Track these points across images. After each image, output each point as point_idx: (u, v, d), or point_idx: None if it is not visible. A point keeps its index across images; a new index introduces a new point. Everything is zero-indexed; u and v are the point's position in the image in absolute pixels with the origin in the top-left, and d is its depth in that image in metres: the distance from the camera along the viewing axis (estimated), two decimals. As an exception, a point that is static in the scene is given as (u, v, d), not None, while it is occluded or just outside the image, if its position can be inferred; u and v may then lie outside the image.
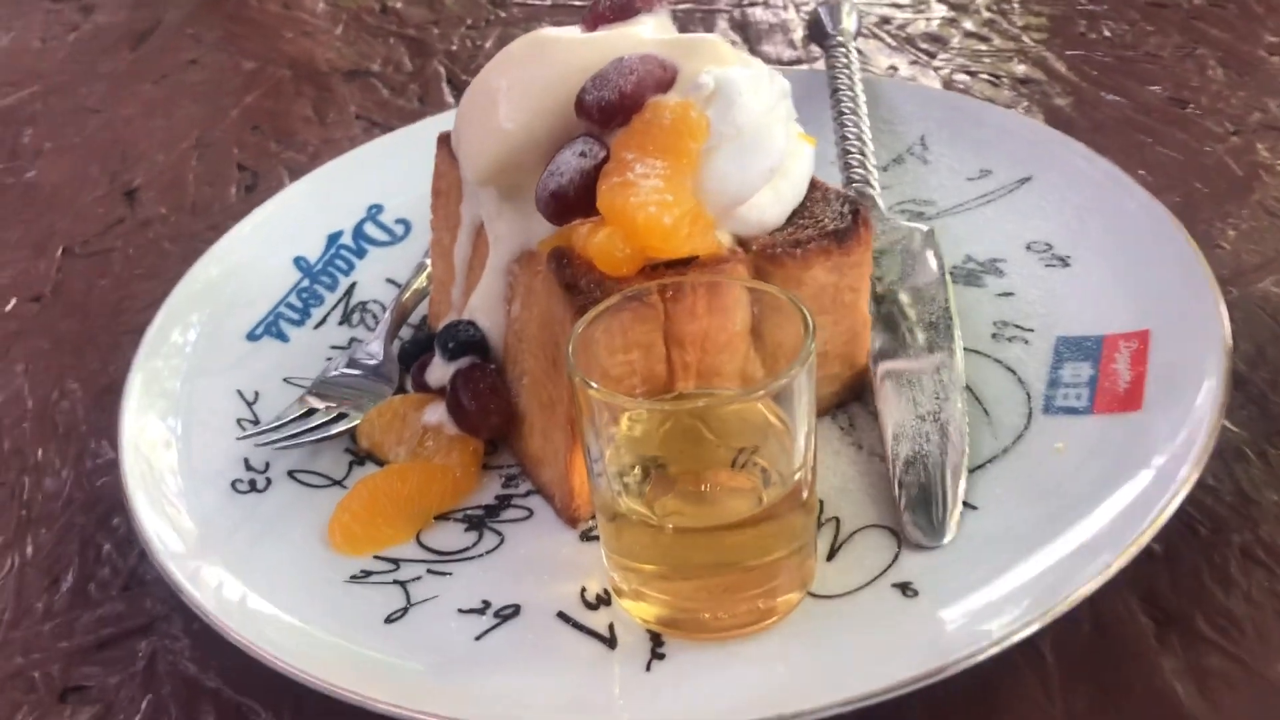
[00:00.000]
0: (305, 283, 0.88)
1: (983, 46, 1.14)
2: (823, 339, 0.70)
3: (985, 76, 1.09)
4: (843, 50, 0.99)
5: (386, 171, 0.96)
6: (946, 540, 0.63)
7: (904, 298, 0.77)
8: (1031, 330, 0.76)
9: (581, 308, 0.61)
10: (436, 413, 0.73)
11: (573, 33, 0.72)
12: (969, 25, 1.17)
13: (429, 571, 0.66)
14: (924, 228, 0.82)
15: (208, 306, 0.84)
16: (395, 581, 0.65)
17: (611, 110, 0.65)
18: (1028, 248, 0.83)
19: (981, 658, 0.55)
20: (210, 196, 1.08)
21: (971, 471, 0.67)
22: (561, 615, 0.62)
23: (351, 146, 1.10)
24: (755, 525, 0.59)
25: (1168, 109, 1.02)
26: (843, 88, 0.95)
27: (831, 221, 0.68)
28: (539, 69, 0.69)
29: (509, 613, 0.63)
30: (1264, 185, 0.91)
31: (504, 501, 0.70)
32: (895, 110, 0.96)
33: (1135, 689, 0.58)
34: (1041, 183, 0.87)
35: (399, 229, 0.93)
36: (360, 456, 0.74)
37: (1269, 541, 0.65)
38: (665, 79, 0.66)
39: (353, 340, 0.83)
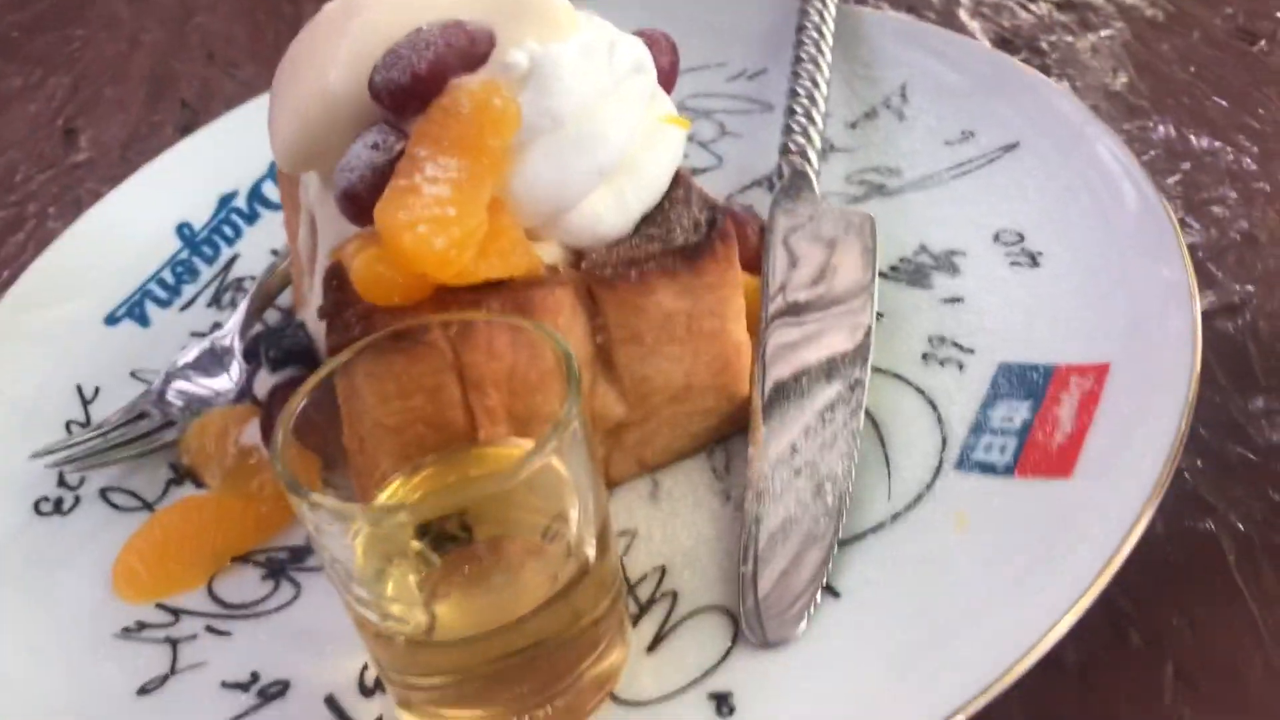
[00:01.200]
0: (184, 254, 0.79)
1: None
2: (681, 370, 0.57)
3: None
4: (816, -22, 0.83)
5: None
6: (796, 634, 0.51)
7: (813, 306, 0.64)
8: (971, 352, 0.62)
9: (335, 347, 0.50)
10: (254, 431, 0.64)
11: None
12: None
13: (207, 629, 0.58)
14: (858, 215, 0.68)
15: (68, 282, 0.76)
16: (167, 639, 0.57)
17: (403, 95, 0.53)
18: (995, 238, 0.67)
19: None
20: (145, 134, 1.00)
21: (845, 544, 0.54)
22: (330, 701, 0.53)
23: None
24: (548, 607, 0.48)
25: (1232, 43, 0.83)
26: (808, 26, 0.80)
27: (683, 234, 0.55)
28: (345, 36, 0.57)
29: (275, 691, 0.54)
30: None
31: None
32: (877, 51, 0.80)
33: None
34: (1028, 152, 0.71)
35: (301, 190, 0.83)
36: (179, 474, 0.66)
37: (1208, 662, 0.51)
38: (474, 54, 0.54)
39: (215, 326, 0.75)
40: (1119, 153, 0.67)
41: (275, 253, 0.79)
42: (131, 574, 0.59)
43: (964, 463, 0.57)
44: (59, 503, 0.65)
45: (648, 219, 0.56)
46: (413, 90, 0.53)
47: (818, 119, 0.74)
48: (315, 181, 0.61)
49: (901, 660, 0.49)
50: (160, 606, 0.59)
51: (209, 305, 0.76)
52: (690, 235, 0.54)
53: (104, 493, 0.65)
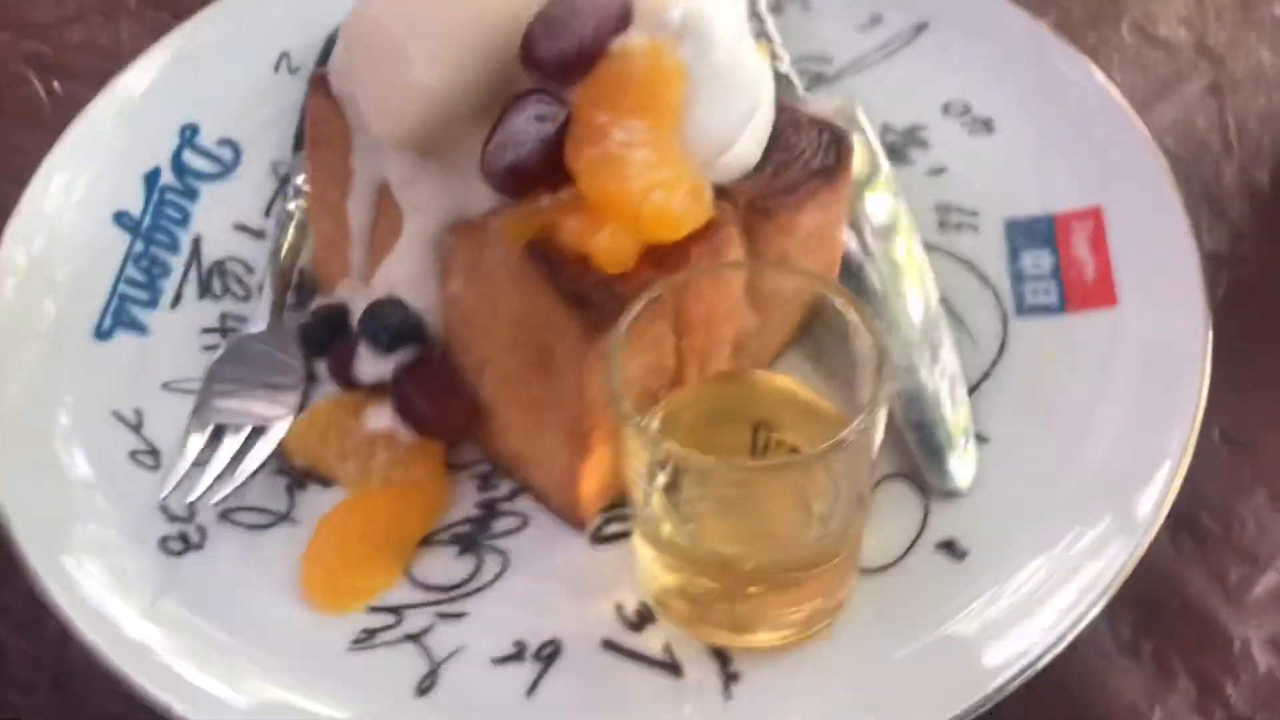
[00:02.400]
0: (139, 246, 0.72)
1: None
2: (798, 289, 0.64)
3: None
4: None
5: (189, 78, 0.79)
6: (969, 483, 0.62)
7: (858, 197, 0.72)
8: (976, 214, 0.73)
9: (596, 324, 0.53)
10: (382, 417, 0.63)
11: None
12: None
13: (439, 616, 0.58)
14: (845, 104, 0.76)
15: (36, 303, 0.68)
16: (407, 637, 0.58)
17: (571, 63, 0.54)
18: (945, 110, 0.78)
19: (1072, 635, 0.55)
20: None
21: (971, 393, 0.65)
22: (608, 644, 0.57)
23: (108, 23, 0.91)
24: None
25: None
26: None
27: (815, 156, 0.61)
28: (453, 4, 0.56)
29: (549, 652, 0.57)
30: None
31: (489, 509, 0.63)
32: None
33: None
34: (940, 31, 0.81)
35: (226, 154, 0.77)
36: (297, 477, 0.63)
37: None
38: (623, 13, 0.55)
39: (225, 317, 0.70)
40: (1028, 23, 0.79)
41: (243, 228, 0.74)
42: (328, 586, 0.58)
43: (1022, 309, 0.69)
44: (185, 538, 0.61)
45: (767, 148, 0.61)
46: (579, 58, 0.54)
47: (767, 19, 0.80)
48: (405, 158, 0.60)
49: (1063, 488, 0.61)
50: (373, 610, 0.59)
51: (201, 298, 0.71)
52: (823, 156, 0.60)
53: (225, 516, 0.62)
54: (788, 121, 0.62)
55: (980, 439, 0.63)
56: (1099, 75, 0.75)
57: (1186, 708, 0.58)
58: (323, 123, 0.64)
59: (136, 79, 0.78)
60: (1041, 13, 0.88)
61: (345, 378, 0.65)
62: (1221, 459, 0.66)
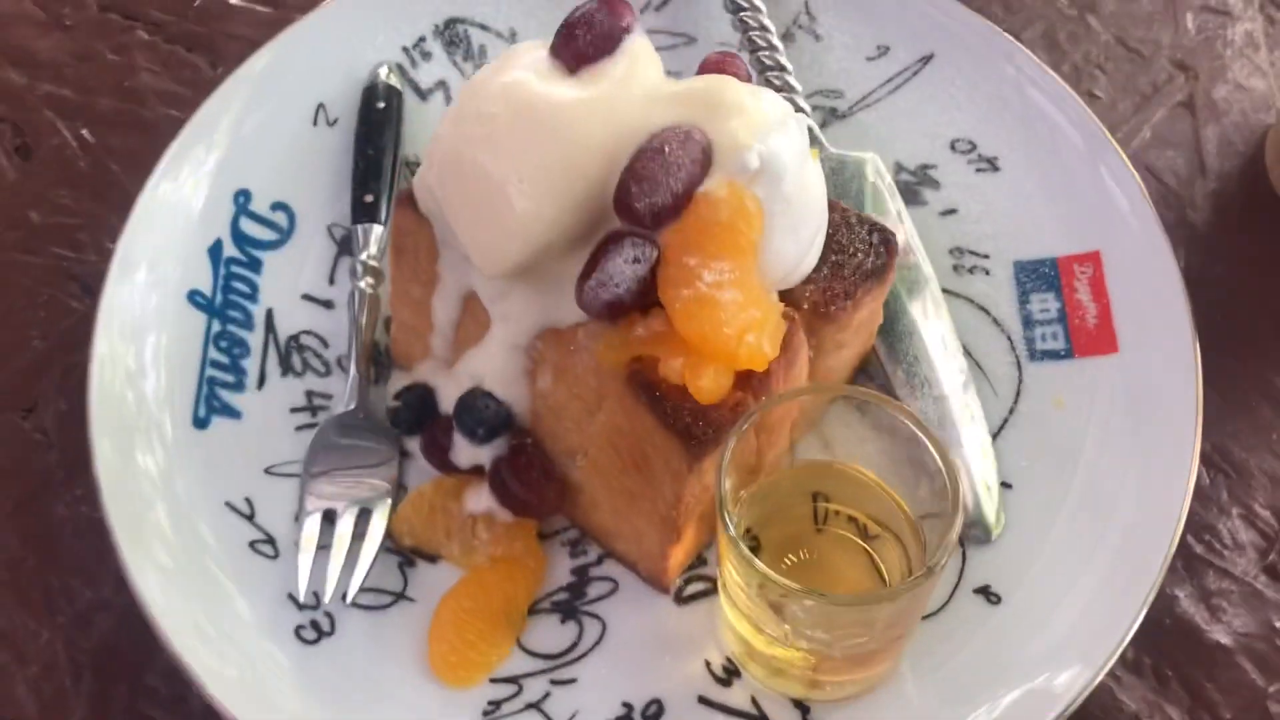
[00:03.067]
0: (216, 325, 0.77)
1: None
2: (856, 352, 0.72)
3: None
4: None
5: (230, 142, 0.81)
6: (998, 533, 0.71)
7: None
8: (987, 256, 0.80)
9: (698, 453, 0.60)
10: (481, 499, 0.70)
11: (554, 82, 0.62)
12: None
13: (553, 683, 0.67)
14: (866, 157, 0.82)
15: (129, 397, 0.72)
16: (528, 706, 0.66)
17: (665, 214, 0.60)
18: (952, 147, 0.84)
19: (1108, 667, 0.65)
20: (-25, 173, 0.87)
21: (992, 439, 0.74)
22: (704, 700, 0.66)
23: (123, 60, 0.91)
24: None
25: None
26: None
27: (867, 257, 0.67)
28: (545, 145, 0.61)
29: (653, 711, 0.66)
30: (1104, 6, 0.95)
31: (582, 576, 0.70)
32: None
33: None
34: (945, 63, 0.87)
35: (280, 219, 0.81)
36: (406, 556, 0.70)
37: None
38: (705, 161, 0.61)
39: (310, 394, 0.75)
40: (1028, 61, 0.85)
41: (310, 298, 0.78)
42: (454, 664, 0.66)
43: (1034, 354, 0.77)
44: (316, 625, 0.68)
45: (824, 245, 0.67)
46: (672, 208, 0.60)
47: (785, 63, 0.84)
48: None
49: (1083, 531, 0.70)
50: (495, 681, 0.67)
51: (284, 375, 0.76)
52: (874, 257, 0.67)
53: (345, 599, 0.69)
54: (839, 221, 0.68)
55: (1003, 485, 0.73)
56: (1096, 121, 0.82)
57: (1180, 715, 0.69)
58: (408, 234, 0.69)
59: (183, 147, 0.80)
60: (1028, 24, 0.94)
61: (441, 461, 0.71)
62: (1202, 481, 0.76)
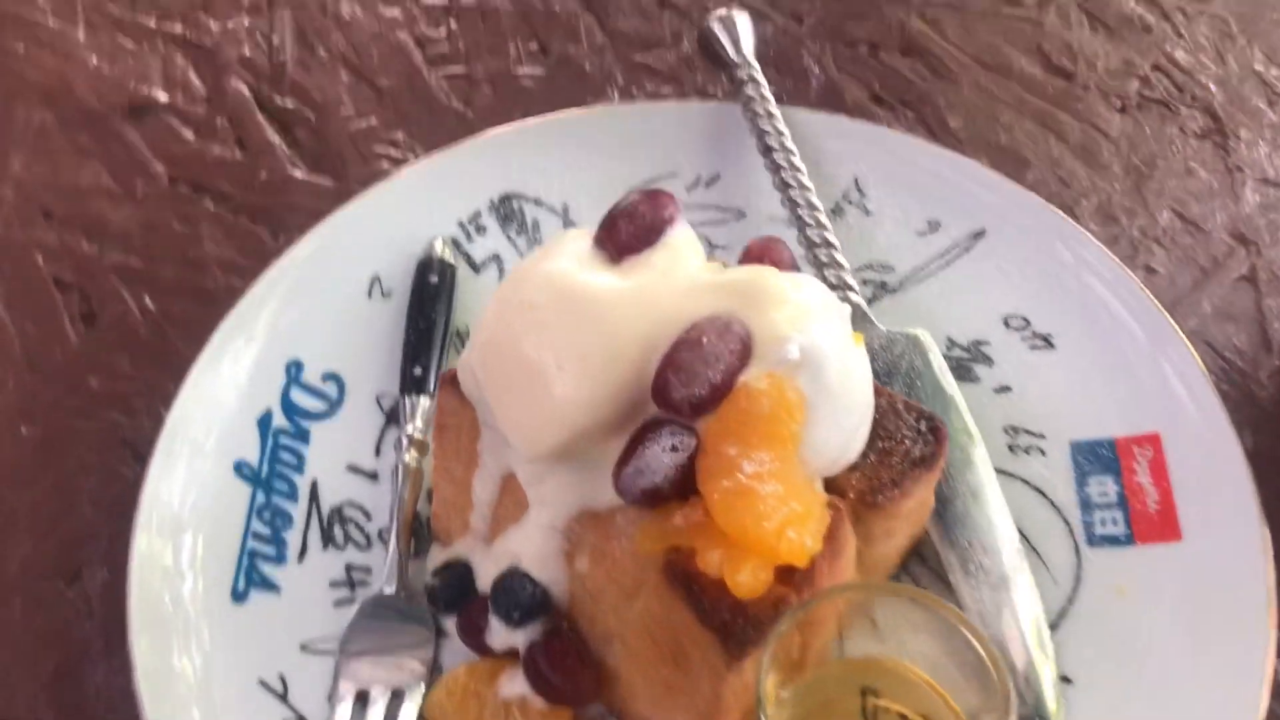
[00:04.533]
0: (261, 497, 0.77)
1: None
2: (907, 538, 0.70)
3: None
4: (752, 81, 0.91)
5: (285, 312, 0.83)
6: (1060, 727, 0.67)
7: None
8: (1043, 436, 0.78)
9: (737, 653, 0.58)
10: (516, 684, 0.68)
11: (597, 271, 0.63)
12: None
13: None
14: (916, 334, 0.81)
15: (172, 570, 0.73)
16: None
17: (703, 404, 0.59)
18: (1006, 324, 0.83)
19: None
20: (41, 341, 0.90)
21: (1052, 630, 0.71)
22: None
23: (189, 230, 0.94)
24: None
25: (1050, 81, 1.02)
26: (762, 116, 0.88)
27: (915, 445, 0.66)
28: (585, 333, 0.61)
29: None
30: (1164, 175, 0.95)
31: (618, 768, 0.68)
32: (819, 149, 0.90)
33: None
34: (996, 239, 0.86)
35: (331, 390, 0.82)
36: (439, 742, 0.69)
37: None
38: (745, 352, 0.60)
39: (350, 568, 0.75)
40: (1083, 239, 0.84)
41: (356, 469, 0.79)
42: None
43: (1093, 540, 0.74)
44: (343, 813, 0.66)
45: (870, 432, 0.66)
46: (711, 399, 0.59)
47: (833, 240, 0.84)
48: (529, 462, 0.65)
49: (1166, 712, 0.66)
50: None
51: (324, 549, 0.76)
52: (922, 445, 0.66)
53: (376, 786, 0.67)
54: (886, 407, 0.67)
55: (1063, 679, 0.69)
56: (1152, 299, 0.80)
57: None
58: (451, 413, 0.69)
59: (240, 319, 0.81)
60: (1084, 196, 0.94)
61: (477, 642, 0.70)
62: None
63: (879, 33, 1.05)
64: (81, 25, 1.09)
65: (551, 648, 0.67)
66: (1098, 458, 0.77)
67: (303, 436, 0.79)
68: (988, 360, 0.82)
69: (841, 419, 0.62)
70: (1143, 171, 0.95)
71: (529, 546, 0.68)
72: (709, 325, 0.60)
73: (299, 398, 0.81)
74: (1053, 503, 0.76)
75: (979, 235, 0.87)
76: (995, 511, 0.74)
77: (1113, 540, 0.74)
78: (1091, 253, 0.83)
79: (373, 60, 1.05)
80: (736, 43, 0.93)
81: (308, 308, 0.83)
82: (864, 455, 0.65)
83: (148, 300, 0.91)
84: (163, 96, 1.03)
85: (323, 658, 0.71)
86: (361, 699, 0.69)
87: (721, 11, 0.95)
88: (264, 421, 0.79)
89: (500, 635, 0.68)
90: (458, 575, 0.72)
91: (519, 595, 0.67)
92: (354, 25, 1.08)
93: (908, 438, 0.66)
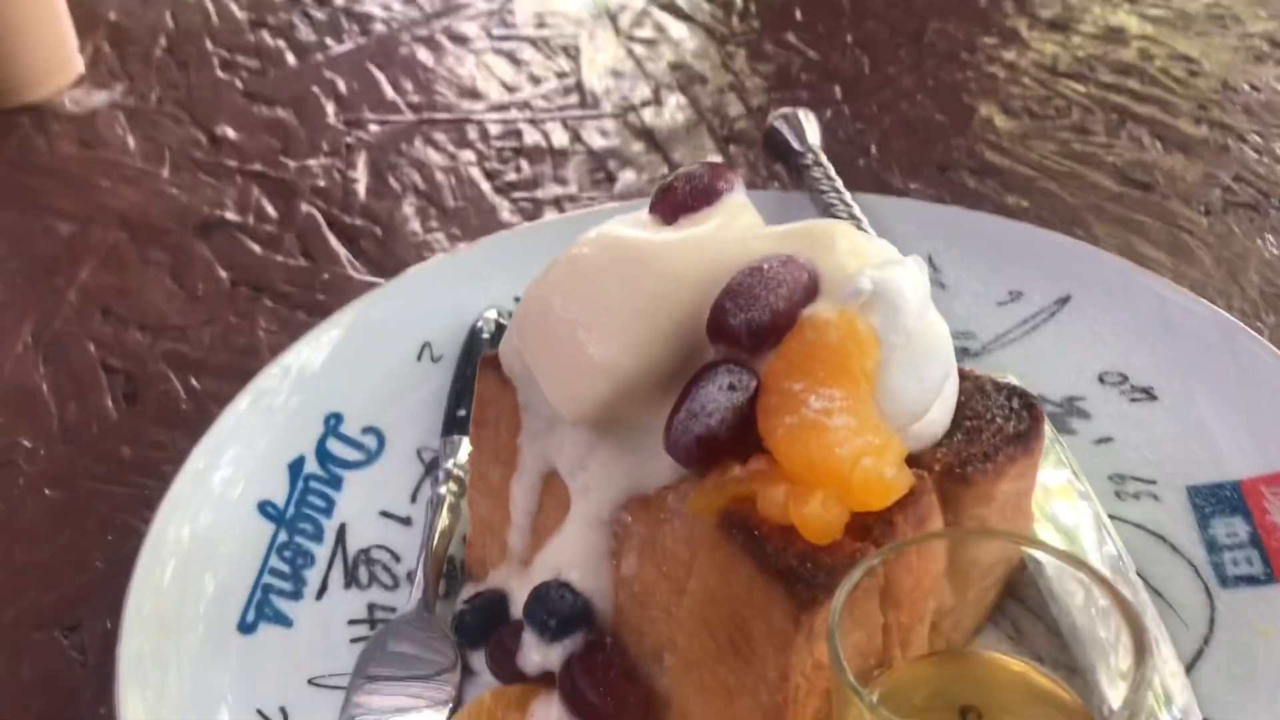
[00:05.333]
0: (283, 536, 0.70)
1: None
2: (996, 552, 0.60)
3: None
4: (819, 168, 0.90)
5: (334, 371, 0.79)
6: (1207, 775, 0.55)
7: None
8: (1154, 483, 0.70)
9: (806, 600, 0.49)
10: (550, 710, 0.58)
11: (648, 230, 0.59)
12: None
13: None
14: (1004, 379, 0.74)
15: (180, 599, 0.65)
16: None
17: (764, 333, 0.53)
18: (1101, 380, 0.76)
19: None
20: (80, 416, 0.86)
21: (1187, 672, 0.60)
22: None
23: (244, 323, 0.92)
24: None
25: (1128, 192, 0.99)
26: (835, 204, 0.86)
27: (1008, 422, 0.58)
28: (633, 280, 0.56)
29: None
30: (1259, 265, 0.89)
31: (668, 814, 0.57)
32: (890, 229, 0.88)
33: None
34: (1084, 302, 0.81)
35: (370, 441, 0.76)
36: (457, 781, 0.58)
37: None
38: (812, 286, 0.55)
39: (373, 608, 0.67)
40: (1164, 288, 0.78)
41: (389, 515, 0.72)
42: None
43: (1225, 581, 0.64)
44: None
45: (956, 413, 0.59)
46: (772, 327, 0.53)
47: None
48: (579, 437, 0.58)
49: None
50: None
51: (346, 588, 0.68)
52: (1016, 421, 0.58)
53: (379, 826, 0.56)
54: (973, 388, 0.60)
55: (1207, 723, 0.58)
56: (1258, 339, 0.73)
57: None
58: (490, 403, 0.63)
59: (283, 371, 0.78)
60: (1186, 268, 0.88)
61: (508, 669, 0.60)
62: None
63: (946, 156, 1.04)
64: (167, 166, 1.13)
65: (592, 661, 0.58)
66: (1222, 500, 0.68)
67: (334, 483, 0.74)
68: (1084, 414, 0.75)
69: (921, 367, 0.55)
70: (1236, 264, 0.90)
71: (570, 550, 0.60)
72: (771, 258, 0.55)
73: (335, 447, 0.76)
74: (1173, 546, 0.66)
75: (1064, 301, 0.81)
76: (1112, 552, 0.64)
77: (1250, 580, 0.64)
78: (1188, 302, 0.77)
79: (443, 188, 1.07)
80: (801, 135, 0.92)
81: (353, 366, 0.79)
82: (950, 434, 0.58)
83: (194, 380, 0.88)
84: (234, 217, 1.05)
85: (333, 693, 0.62)
86: (374, 730, 0.59)
87: (786, 110, 0.95)
88: (295, 465, 0.74)
89: (534, 654, 0.59)
90: (490, 602, 0.64)
91: (556, 603, 0.59)
92: (428, 163, 1.10)
93: (999, 415, 0.59)
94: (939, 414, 0.57)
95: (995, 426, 0.58)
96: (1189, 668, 0.60)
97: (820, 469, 0.50)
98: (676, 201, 0.60)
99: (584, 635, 0.59)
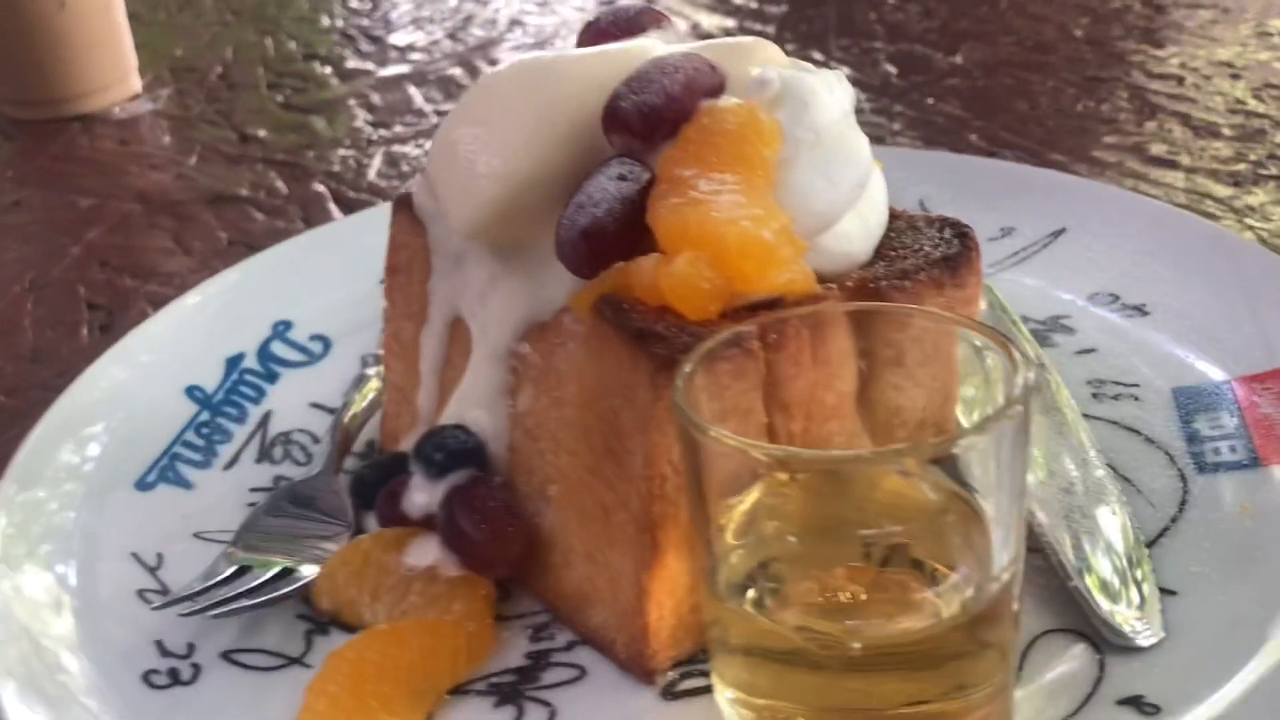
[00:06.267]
0: (205, 416, 0.68)
1: (930, 128, 1.04)
2: (924, 398, 0.54)
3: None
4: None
5: (294, 282, 0.77)
6: (1158, 637, 0.48)
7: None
8: (1137, 385, 0.63)
9: (666, 360, 0.44)
10: (426, 551, 0.53)
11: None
12: (901, 109, 1.07)
13: (458, 770, 0.46)
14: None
15: (78, 452, 0.63)
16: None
17: (657, 117, 0.50)
18: (1091, 299, 0.70)
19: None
20: (54, 341, 0.86)
21: (1148, 548, 0.52)
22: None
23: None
24: (959, 654, 0.42)
25: (1157, 169, 0.93)
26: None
27: (937, 248, 0.53)
28: (539, 91, 0.54)
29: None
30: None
31: (540, 660, 0.51)
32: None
33: None
34: (1080, 234, 0.75)
35: (316, 347, 0.74)
36: (321, 623, 0.53)
37: None
38: (716, 82, 0.52)
39: (279, 479, 0.63)
40: (1171, 212, 0.72)
41: (319, 406, 0.69)
42: (329, 725, 0.47)
43: (1204, 468, 0.57)
44: (175, 673, 0.50)
45: (882, 247, 0.54)
46: (666, 112, 0.50)
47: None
48: (482, 264, 0.55)
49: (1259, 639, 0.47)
50: (380, 757, 0.46)
51: (259, 461, 0.65)
52: (945, 248, 0.53)
53: (227, 656, 0.52)
54: (905, 225, 0.55)
55: (1166, 592, 0.50)
56: (1257, 246, 0.67)
57: None
58: (402, 246, 0.61)
59: (240, 275, 0.77)
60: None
61: (392, 514, 0.56)
62: None
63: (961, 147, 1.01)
64: (195, 157, 1.15)
65: (474, 494, 0.53)
66: (1209, 396, 0.61)
67: (270, 377, 0.72)
68: (1068, 330, 0.69)
69: (832, 168, 0.51)
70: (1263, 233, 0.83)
71: (469, 393, 0.56)
72: (680, 54, 0.52)
73: (280, 349, 0.74)
74: (1148, 438, 0.59)
75: (1058, 234, 0.76)
76: (1077, 440, 0.58)
77: (1232, 466, 0.56)
78: (1186, 219, 0.71)
79: (451, 171, 1.06)
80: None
81: (316, 278, 0.78)
82: (872, 263, 0.53)
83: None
84: (246, 193, 1.06)
85: (216, 546, 0.58)
86: (242, 574, 0.55)
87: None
88: (234, 360, 0.72)
89: (420, 495, 0.55)
90: (388, 463, 0.60)
91: (446, 440, 0.55)
92: (441, 154, 1.10)
93: (928, 244, 0.54)
94: (858, 236, 0.52)
95: (924, 253, 0.53)
96: (1150, 543, 0.53)
97: (694, 232, 0.46)
98: (600, 30, 0.58)
99: (471, 473, 0.54)
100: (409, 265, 0.60)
